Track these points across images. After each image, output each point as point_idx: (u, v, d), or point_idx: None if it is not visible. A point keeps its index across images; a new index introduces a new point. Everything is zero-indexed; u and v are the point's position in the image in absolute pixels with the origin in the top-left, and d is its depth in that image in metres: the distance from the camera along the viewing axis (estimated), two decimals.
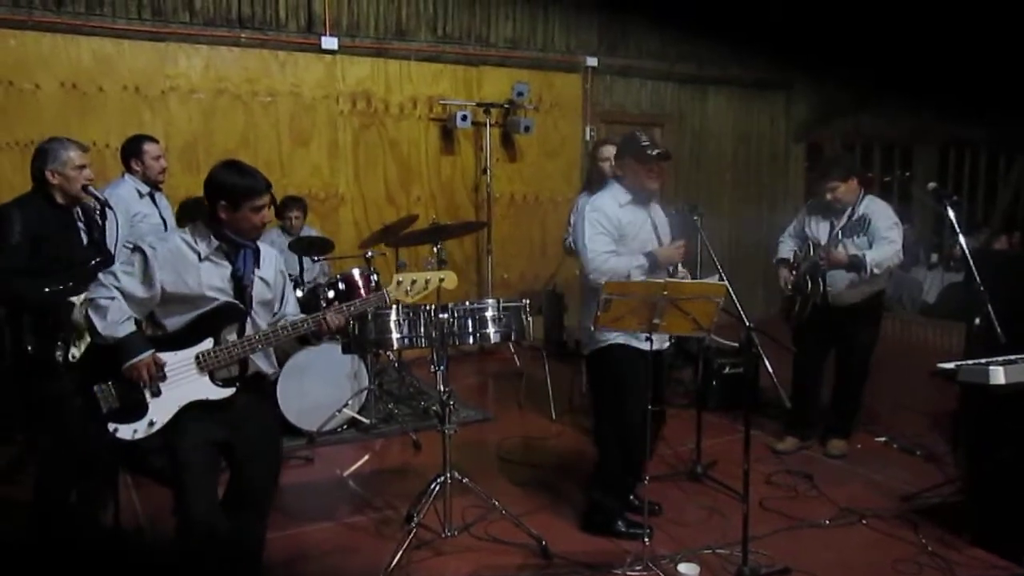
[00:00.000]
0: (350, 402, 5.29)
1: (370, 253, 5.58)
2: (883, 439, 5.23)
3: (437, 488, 3.84)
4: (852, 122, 9.87)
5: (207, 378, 2.81)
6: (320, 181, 7.03)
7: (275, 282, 3.00)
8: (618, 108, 8.47)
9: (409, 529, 3.70)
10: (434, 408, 3.98)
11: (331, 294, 5.26)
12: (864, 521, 4.06)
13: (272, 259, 3.01)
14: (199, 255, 2.80)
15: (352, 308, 2.99)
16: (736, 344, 4.96)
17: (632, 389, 3.64)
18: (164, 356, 2.77)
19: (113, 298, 2.73)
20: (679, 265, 3.76)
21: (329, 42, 6.85)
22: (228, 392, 2.83)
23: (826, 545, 3.83)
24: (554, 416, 5.65)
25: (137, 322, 2.81)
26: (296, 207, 6.02)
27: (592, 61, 8.17)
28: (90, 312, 2.74)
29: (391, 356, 6.08)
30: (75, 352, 3.40)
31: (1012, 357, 3.68)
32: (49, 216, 3.48)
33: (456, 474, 3.87)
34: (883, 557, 3.69)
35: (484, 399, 6.37)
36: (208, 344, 2.81)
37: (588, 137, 8.18)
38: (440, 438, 3.87)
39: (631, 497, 4.00)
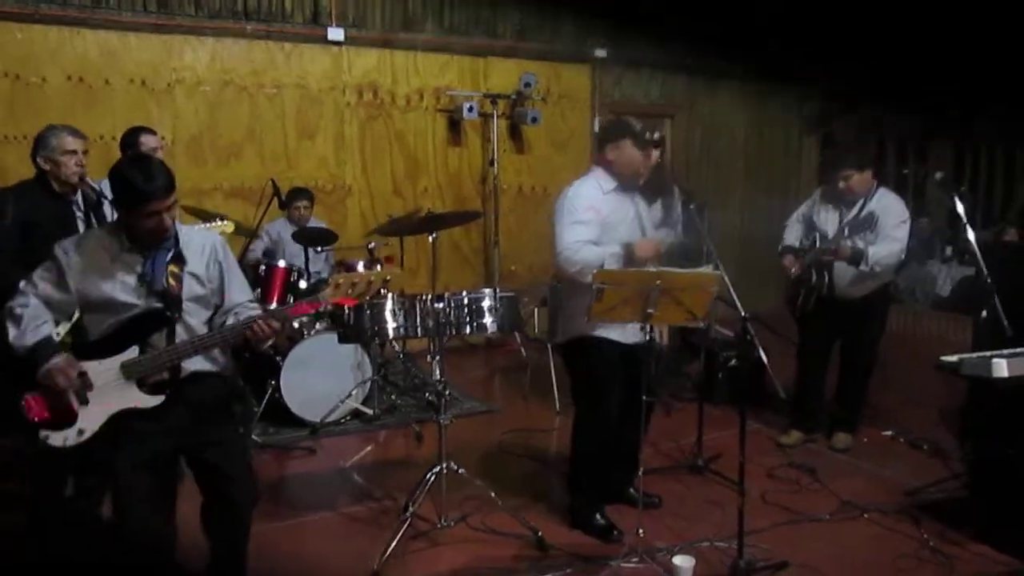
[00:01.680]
0: (353, 393, 5.30)
1: (372, 244, 5.57)
2: (890, 433, 5.17)
3: (433, 478, 3.83)
4: (867, 114, 9.76)
5: (135, 386, 2.68)
6: (327, 173, 7.02)
7: (208, 275, 2.81)
8: (627, 99, 8.40)
9: (404, 519, 3.70)
10: (435, 398, 3.96)
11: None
12: (866, 515, 4.01)
13: (204, 251, 2.81)
14: (111, 256, 2.67)
15: (281, 313, 2.78)
16: (733, 334, 4.91)
17: (604, 381, 3.62)
18: (88, 364, 2.65)
19: (27, 306, 2.66)
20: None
21: (335, 33, 6.84)
22: (158, 400, 2.69)
23: (826, 539, 3.78)
24: (558, 408, 5.63)
25: (76, 329, 2.74)
26: (303, 197, 6.03)
27: (601, 52, 8.11)
28: (7, 321, 2.66)
29: (396, 347, 6.07)
30: (55, 339, 3.38)
31: (1017, 350, 3.63)
32: (45, 204, 3.50)
33: (453, 465, 3.86)
34: (883, 552, 3.64)
35: (490, 391, 6.36)
36: (133, 352, 2.68)
37: (596, 129, 8.13)
38: (440, 428, 3.86)
39: (631, 489, 3.97)
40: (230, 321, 2.79)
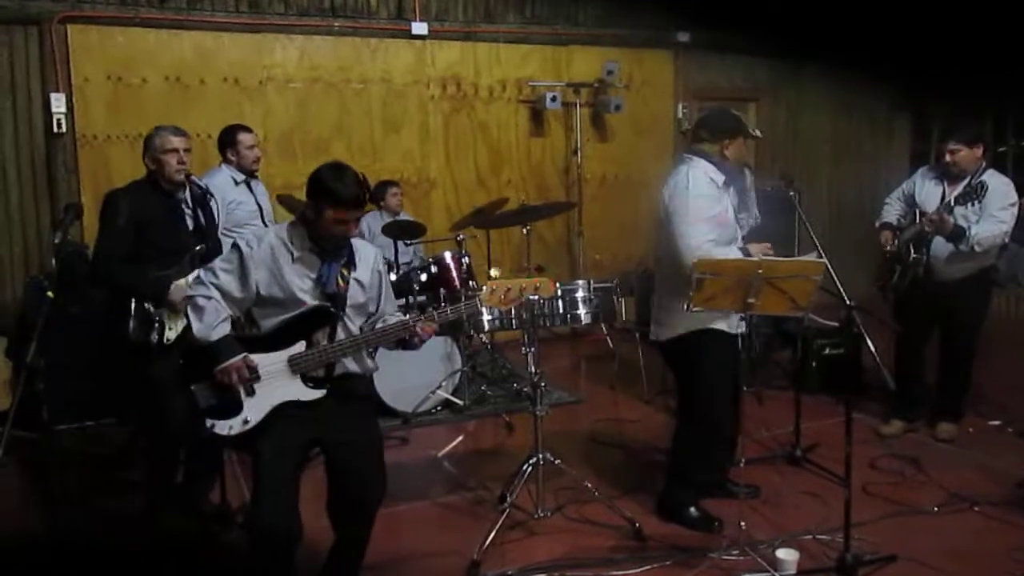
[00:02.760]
0: (444, 384, 5.36)
1: (461, 236, 5.61)
2: (997, 423, 4.99)
3: (529, 469, 3.86)
4: (965, 88, 9.35)
5: (299, 380, 2.83)
6: (412, 166, 7.11)
7: (371, 283, 2.96)
8: (711, 84, 8.27)
9: (502, 510, 3.73)
10: (526, 390, 3.98)
11: (423, 277, 5.34)
12: (976, 508, 3.87)
13: (370, 259, 2.98)
14: (292, 255, 2.82)
15: (445, 315, 2.97)
16: (835, 324, 4.78)
17: (721, 375, 3.57)
18: (258, 357, 2.79)
19: (211, 298, 2.79)
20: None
21: (419, 27, 6.91)
22: (319, 393, 2.84)
23: (935, 532, 3.67)
24: (646, 398, 5.59)
25: (236, 321, 2.86)
26: (392, 187, 6.15)
27: (683, 36, 7.99)
28: (188, 311, 2.81)
29: (484, 339, 6.12)
30: (170, 335, 3.52)
31: None
32: (155, 202, 3.62)
33: (548, 455, 3.87)
34: (997, 545, 3.52)
35: (576, 381, 6.36)
36: (300, 347, 2.82)
37: (680, 115, 8.03)
38: (532, 420, 3.87)
39: (728, 481, 3.93)
40: (379, 326, 2.94)
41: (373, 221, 6.11)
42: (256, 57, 6.49)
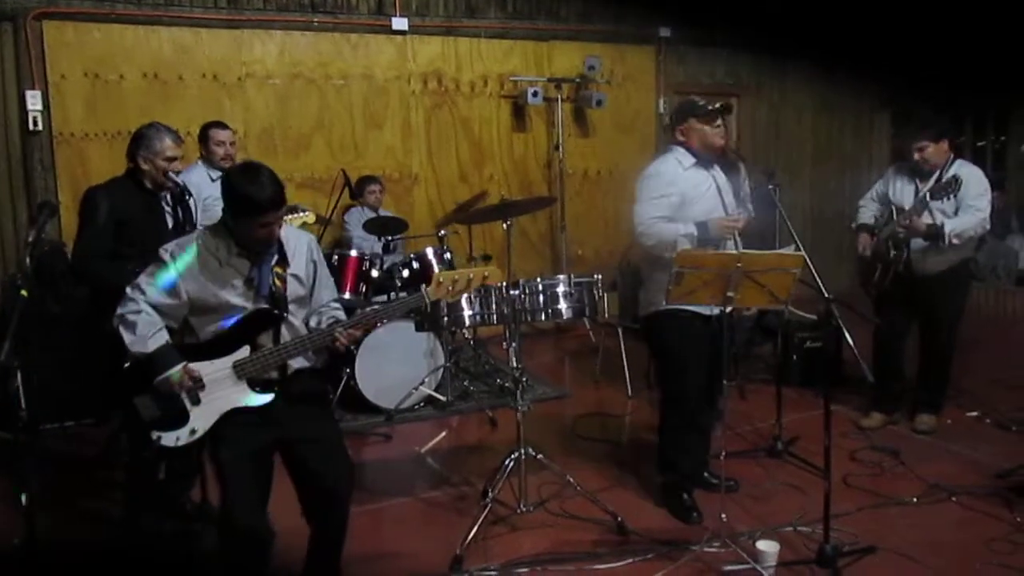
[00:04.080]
0: (427, 380, 5.35)
1: (443, 232, 5.60)
2: (975, 414, 5.03)
3: (512, 464, 3.86)
4: (942, 86, 9.43)
5: (245, 385, 2.77)
6: (394, 162, 7.09)
7: (307, 274, 2.90)
8: (692, 80, 8.29)
9: (485, 505, 3.72)
10: (508, 385, 3.98)
11: (405, 273, 5.33)
12: (954, 499, 3.90)
13: (303, 249, 2.90)
14: (219, 261, 2.74)
15: (388, 312, 2.93)
16: (815, 317, 4.82)
17: (689, 353, 3.61)
18: (201, 366, 2.73)
19: (140, 311, 2.71)
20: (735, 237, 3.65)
21: (399, 23, 6.89)
22: (268, 398, 2.78)
23: (914, 523, 3.70)
24: (630, 392, 5.61)
25: (174, 330, 2.79)
26: (374, 183, 6.14)
27: (665, 32, 8.00)
28: (119, 327, 2.72)
29: (467, 334, 6.12)
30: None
31: None
32: (136, 200, 3.59)
33: (531, 450, 3.87)
34: (975, 536, 3.55)
35: (560, 376, 6.37)
36: (244, 352, 2.76)
37: (661, 110, 8.04)
38: (515, 415, 3.88)
39: (707, 473, 3.95)
40: (313, 321, 2.89)
41: (355, 217, 6.09)
42: (235, 53, 6.46)
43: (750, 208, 4.23)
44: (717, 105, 3.70)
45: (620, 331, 5.87)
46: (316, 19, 6.65)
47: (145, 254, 3.50)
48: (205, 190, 4.58)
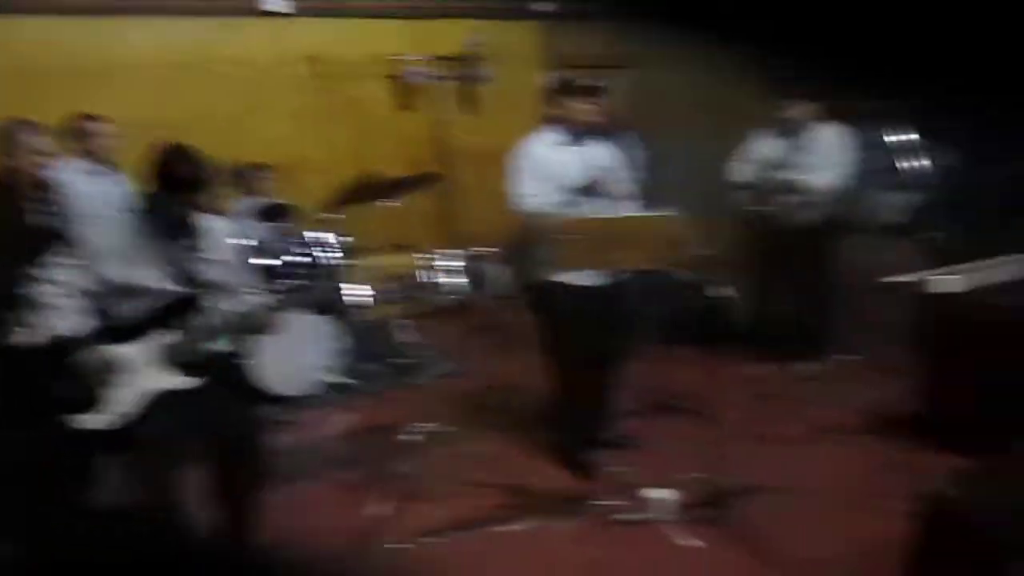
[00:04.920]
0: (328, 365, 5.33)
1: (333, 216, 5.57)
2: (853, 357, 5.34)
3: (418, 439, 3.92)
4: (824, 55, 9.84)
5: (169, 368, 2.79)
6: (280, 148, 6.94)
7: (224, 258, 2.95)
8: (577, 54, 8.38)
9: (392, 482, 3.78)
10: (410, 363, 4.03)
11: (296, 260, 5.28)
12: (835, 436, 4.17)
13: (221, 235, 2.95)
14: (140, 244, 2.76)
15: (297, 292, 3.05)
16: (700, 275, 5.03)
17: (570, 320, 3.73)
18: (123, 349, 2.74)
19: (52, 294, 2.70)
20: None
21: (273, 3, 6.75)
22: (193, 381, 2.81)
23: (796, 461, 3.95)
24: (530, 362, 5.70)
25: (96, 311, 2.78)
26: (261, 170, 6.03)
27: (547, 6, 8.10)
28: (34, 309, 2.71)
29: (369, 315, 6.10)
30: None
31: (968, 265, 3.79)
32: (3, 198, 3.47)
33: (436, 425, 3.94)
34: (851, 467, 3.82)
35: (463, 351, 6.41)
36: (163, 334, 2.77)
37: (549, 85, 8.12)
38: (419, 392, 3.93)
39: (605, 433, 4.10)
40: (227, 304, 2.91)
41: (244, 206, 5.98)
42: (106, 42, 6.21)
43: (637, 177, 4.39)
44: (592, 84, 3.79)
45: (519, 304, 5.95)
46: (187, 2, 6.46)
47: (15, 249, 3.41)
48: (81, 185, 4.43)
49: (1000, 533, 2.38)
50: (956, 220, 4.33)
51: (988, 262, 3.79)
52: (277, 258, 5.39)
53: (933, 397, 4.11)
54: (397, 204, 4.66)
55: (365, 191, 5.52)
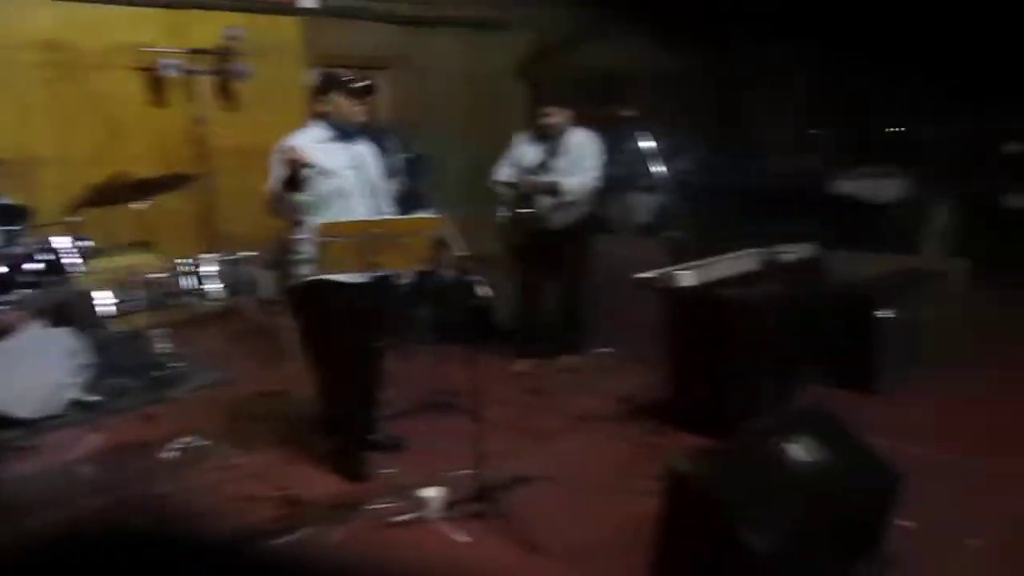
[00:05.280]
0: (72, 382, 4.90)
1: (75, 219, 5.14)
2: (608, 350, 5.70)
3: (176, 456, 3.71)
4: (571, 57, 10.38)
5: None
6: (8, 142, 6.30)
7: None
8: (341, 51, 8.30)
9: (153, 503, 3.56)
10: (169, 375, 3.81)
11: (33, 267, 4.81)
12: (592, 425, 4.44)
13: None
14: None
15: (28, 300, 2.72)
16: (464, 275, 5.16)
17: (335, 322, 3.72)
18: None
19: None
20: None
21: None
22: None
23: (559, 452, 4.17)
24: (298, 367, 5.58)
25: None
26: None
27: (310, 2, 7.92)
28: None
29: (120, 325, 5.68)
30: None
31: (699, 262, 4.16)
32: None
33: (196, 439, 3.76)
34: (606, 454, 4.09)
35: (226, 359, 6.14)
36: None
37: (312, 82, 7.97)
38: (180, 405, 3.73)
39: (375, 435, 4.10)
40: None
41: None
42: None
43: (400, 178, 4.43)
44: (363, 83, 3.78)
45: (284, 307, 5.80)
46: None
47: None
48: None
49: (732, 504, 2.65)
50: (696, 220, 4.74)
51: (720, 258, 4.18)
52: (8, 266, 4.89)
53: (676, 384, 4.47)
54: (148, 206, 4.36)
55: (113, 192, 5.14)
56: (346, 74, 3.82)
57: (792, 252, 4.40)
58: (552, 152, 4.97)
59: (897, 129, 11.39)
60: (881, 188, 9.00)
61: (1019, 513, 3.44)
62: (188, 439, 3.72)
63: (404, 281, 4.16)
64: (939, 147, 10.10)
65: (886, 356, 4.76)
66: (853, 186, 9.06)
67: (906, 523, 3.16)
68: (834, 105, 10.15)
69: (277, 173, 3.65)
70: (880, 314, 4.69)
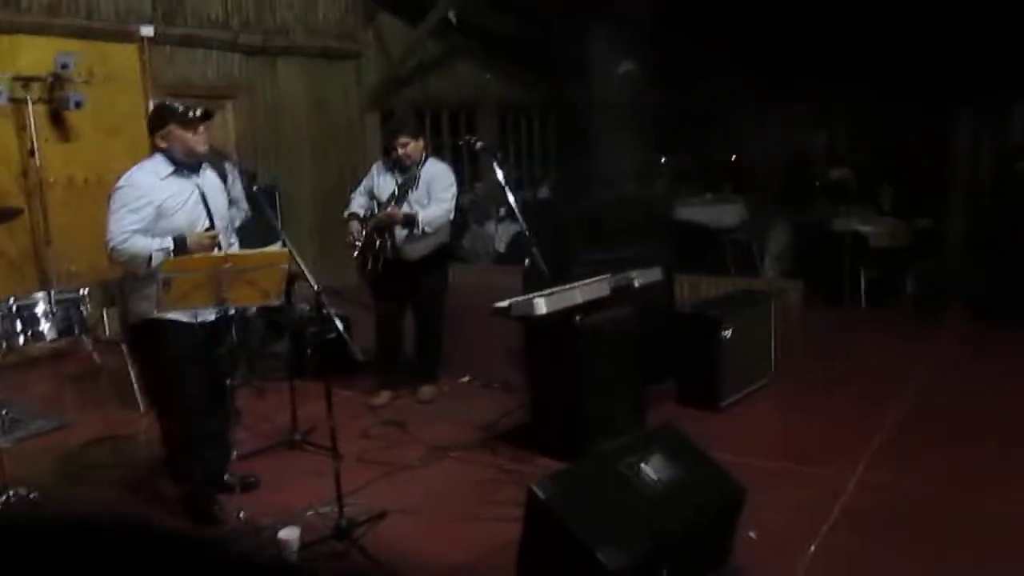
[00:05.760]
0: None
1: None
2: (466, 378, 5.73)
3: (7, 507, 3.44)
4: (420, 89, 10.48)
5: None
6: None
7: None
8: (183, 81, 8.04)
9: None
10: None
11: None
12: (451, 455, 4.43)
13: None
14: None
15: None
16: (325, 309, 5.07)
17: (178, 361, 3.58)
18: None
19: None
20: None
21: None
22: None
23: (418, 483, 4.13)
24: (142, 408, 5.31)
25: None
26: None
27: (147, 30, 7.63)
28: None
29: None
30: None
31: (553, 290, 4.26)
32: None
33: (22, 490, 3.49)
34: (467, 482, 4.09)
35: (61, 405, 5.76)
36: None
37: (153, 111, 7.66)
38: (8, 454, 3.47)
39: (227, 476, 3.94)
40: None
41: None
42: None
43: (245, 206, 4.30)
44: (198, 112, 3.66)
45: (125, 347, 5.51)
46: None
47: None
48: None
49: (589, 525, 2.71)
50: (550, 247, 4.85)
51: (567, 286, 4.29)
52: None
53: (534, 410, 4.54)
54: None
55: None
56: (181, 103, 3.69)
57: (641, 277, 4.56)
58: (407, 183, 4.98)
59: (733, 157, 12.15)
60: (722, 214, 9.52)
61: (855, 516, 3.68)
62: (17, 490, 3.45)
63: (254, 316, 4.03)
64: (771, 174, 10.84)
65: (729, 373, 5.00)
66: (695, 212, 9.55)
67: (752, 534, 3.32)
68: (676, 134, 10.70)
69: (128, 220, 3.45)
70: (724, 334, 4.93)
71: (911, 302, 7.46)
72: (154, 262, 3.37)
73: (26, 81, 6.68)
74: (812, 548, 3.39)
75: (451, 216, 5.08)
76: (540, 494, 2.81)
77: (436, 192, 4.98)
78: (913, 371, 5.63)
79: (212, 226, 3.61)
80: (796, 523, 3.60)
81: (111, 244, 3.47)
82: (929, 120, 9.54)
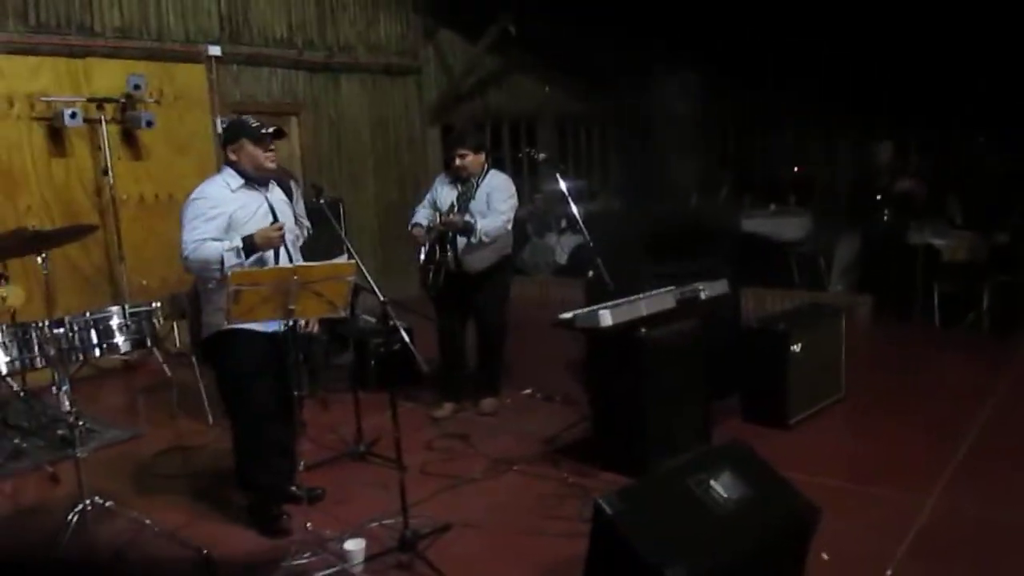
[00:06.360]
0: None
1: None
2: (528, 391, 5.70)
3: (77, 518, 3.52)
4: (480, 103, 10.53)
5: None
6: None
7: None
8: (248, 98, 8.21)
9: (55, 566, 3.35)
10: (62, 433, 3.63)
11: None
12: (514, 468, 4.41)
13: None
14: None
15: None
16: (389, 322, 5.11)
17: (250, 371, 3.63)
18: None
19: None
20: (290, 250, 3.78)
21: None
22: None
23: (481, 496, 4.11)
24: (211, 420, 5.41)
25: None
26: None
27: (215, 50, 7.83)
28: None
29: (14, 385, 5.41)
30: None
31: (618, 301, 4.21)
32: None
33: (98, 499, 3.57)
34: (530, 495, 4.05)
35: (133, 416, 5.92)
36: None
37: (219, 130, 7.85)
38: (83, 464, 3.55)
39: (293, 487, 3.97)
40: None
41: None
42: None
43: (307, 225, 4.37)
44: (270, 129, 3.73)
45: (194, 359, 5.63)
46: None
47: None
48: None
49: (656, 543, 2.65)
50: (613, 259, 4.80)
51: (632, 298, 4.24)
52: None
53: (598, 424, 4.49)
54: (47, 257, 4.19)
55: (5, 244, 4.91)
56: (253, 120, 3.77)
57: (707, 289, 4.49)
58: (466, 193, 5.00)
59: (796, 168, 11.92)
60: (788, 226, 9.33)
61: (932, 540, 3.55)
62: (95, 498, 3.53)
63: (319, 328, 4.06)
64: (835, 185, 10.59)
65: (797, 390, 4.87)
66: (759, 224, 9.37)
67: (824, 556, 3.22)
68: (741, 146, 10.55)
69: (201, 229, 3.55)
70: (792, 349, 4.81)
71: (987, 318, 7.18)
72: (226, 264, 3.45)
73: (100, 102, 6.90)
74: (889, 572, 3.27)
75: (510, 227, 5.08)
76: (607, 509, 2.76)
77: (495, 203, 4.99)
78: (990, 390, 5.41)
79: (279, 241, 3.67)
80: (870, 546, 3.48)
81: (184, 253, 3.59)
82: (998, 130, 9.23)
